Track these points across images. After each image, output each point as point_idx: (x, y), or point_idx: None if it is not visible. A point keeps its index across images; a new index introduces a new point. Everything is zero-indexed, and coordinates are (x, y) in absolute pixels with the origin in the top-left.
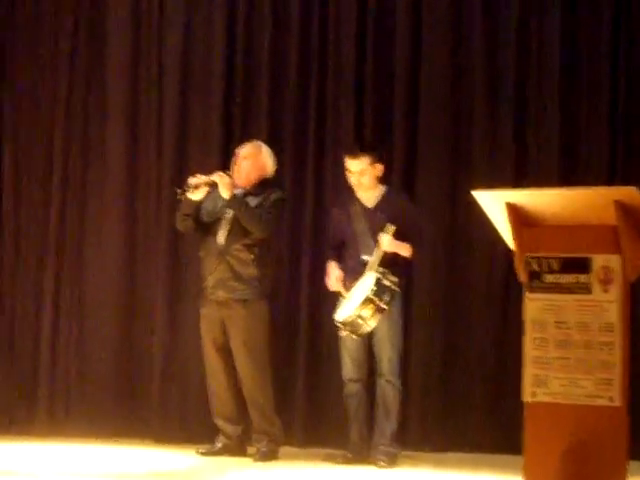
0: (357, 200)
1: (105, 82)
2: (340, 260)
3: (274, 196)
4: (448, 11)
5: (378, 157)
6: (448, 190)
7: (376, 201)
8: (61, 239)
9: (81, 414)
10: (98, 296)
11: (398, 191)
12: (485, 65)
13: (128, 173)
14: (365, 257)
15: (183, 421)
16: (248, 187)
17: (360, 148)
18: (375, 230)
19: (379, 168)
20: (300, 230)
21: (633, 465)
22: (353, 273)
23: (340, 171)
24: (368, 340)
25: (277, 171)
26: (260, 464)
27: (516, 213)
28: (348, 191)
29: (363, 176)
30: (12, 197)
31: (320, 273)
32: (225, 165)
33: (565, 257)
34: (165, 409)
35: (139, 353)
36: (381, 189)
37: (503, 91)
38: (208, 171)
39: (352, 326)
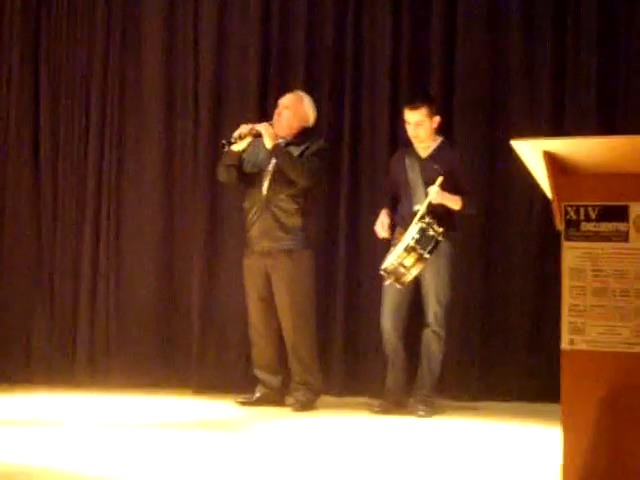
0: (413, 150)
1: (140, 41)
2: (395, 209)
3: (316, 145)
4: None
5: (433, 109)
6: (486, 139)
7: (431, 152)
8: (99, 190)
9: (121, 364)
10: (136, 247)
11: (453, 143)
12: (522, 9)
13: (165, 127)
14: (417, 207)
15: (222, 371)
16: (290, 137)
17: (418, 99)
18: (428, 180)
19: (436, 120)
20: (339, 180)
21: None
22: (406, 222)
23: (376, 122)
24: (413, 290)
25: (318, 120)
26: (299, 413)
27: (553, 162)
28: (405, 141)
29: (420, 127)
30: (50, 152)
31: (357, 224)
32: (262, 117)
33: (602, 205)
34: (204, 359)
35: (178, 304)
36: (437, 141)
37: (540, 39)
38: (247, 123)
39: (395, 274)
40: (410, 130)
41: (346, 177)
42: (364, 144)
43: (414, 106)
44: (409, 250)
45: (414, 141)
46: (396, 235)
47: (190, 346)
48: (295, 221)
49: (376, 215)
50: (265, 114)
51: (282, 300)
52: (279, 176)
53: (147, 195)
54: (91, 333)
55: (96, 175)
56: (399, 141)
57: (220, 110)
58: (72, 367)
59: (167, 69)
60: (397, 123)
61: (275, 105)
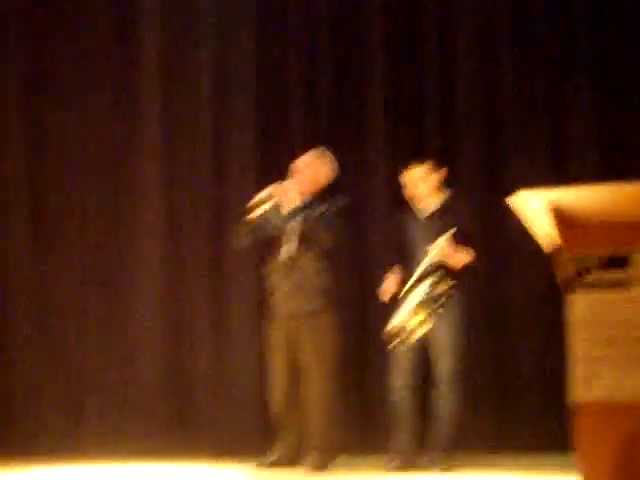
0: (415, 209)
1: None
2: (398, 269)
3: (337, 204)
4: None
5: (430, 168)
6: (483, 193)
7: (435, 208)
8: (104, 247)
9: (132, 434)
10: (144, 312)
11: (456, 197)
12: (516, 59)
13: (164, 197)
14: (422, 264)
15: (235, 436)
16: (310, 197)
17: (411, 161)
18: (432, 239)
19: (432, 179)
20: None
21: None
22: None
23: (375, 181)
24: (423, 348)
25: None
26: (314, 475)
27: (556, 212)
28: (407, 200)
29: (420, 184)
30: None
31: (363, 282)
32: (262, 179)
33: (609, 254)
34: (218, 424)
35: (188, 368)
36: (441, 196)
37: (538, 92)
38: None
39: (402, 334)
40: (410, 190)
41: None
42: (365, 208)
43: (408, 167)
44: (419, 306)
45: (416, 200)
46: (404, 294)
47: (202, 412)
48: (320, 282)
49: (380, 275)
50: (264, 182)
51: (308, 361)
52: (303, 237)
53: (151, 265)
54: (100, 405)
55: (97, 235)
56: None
57: (222, 174)
58: (81, 438)
59: (166, 132)
60: (396, 183)
61: (277, 170)
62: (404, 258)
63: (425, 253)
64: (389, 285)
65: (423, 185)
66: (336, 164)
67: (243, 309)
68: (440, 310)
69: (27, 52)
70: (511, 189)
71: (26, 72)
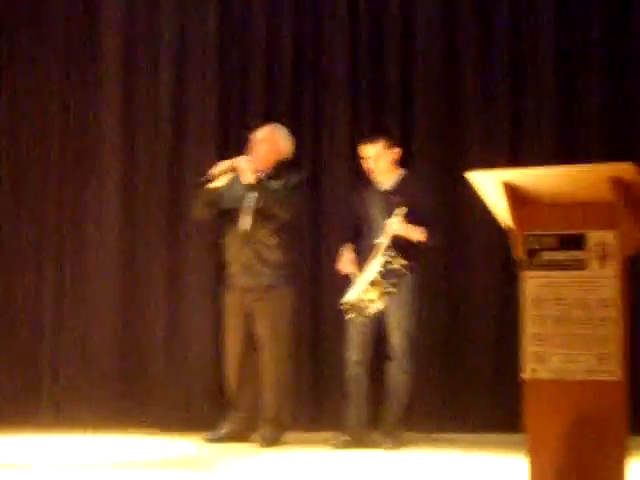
0: (372, 183)
1: (100, 83)
2: (356, 243)
3: (295, 178)
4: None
5: (391, 141)
6: (442, 171)
7: (392, 184)
8: (60, 223)
9: (85, 405)
10: (98, 282)
11: (415, 175)
12: (479, 42)
13: (126, 163)
14: (378, 240)
15: (187, 409)
16: (267, 170)
17: (373, 134)
18: (389, 213)
19: (395, 151)
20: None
21: (634, 440)
22: (367, 256)
23: (335, 156)
24: (377, 323)
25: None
26: (265, 449)
27: (513, 192)
28: (365, 174)
29: (376, 160)
30: (10, 196)
31: (318, 256)
32: (222, 153)
33: (561, 234)
34: (169, 397)
35: (142, 340)
36: (399, 173)
37: (498, 70)
38: (205, 160)
39: (358, 308)
40: (367, 164)
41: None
42: (324, 179)
43: (364, 141)
44: (373, 283)
45: (371, 174)
46: (358, 269)
47: (154, 384)
48: (277, 256)
49: (336, 250)
50: (225, 150)
51: (263, 334)
52: (259, 211)
53: (107, 233)
54: (54, 374)
55: (55, 219)
56: (359, 175)
57: (179, 148)
58: (36, 407)
59: (125, 103)
60: (357, 157)
61: (238, 137)
62: (360, 232)
63: (382, 227)
64: (345, 260)
65: (380, 161)
66: (293, 138)
67: (199, 280)
68: (392, 288)
69: None
70: (469, 168)
71: None
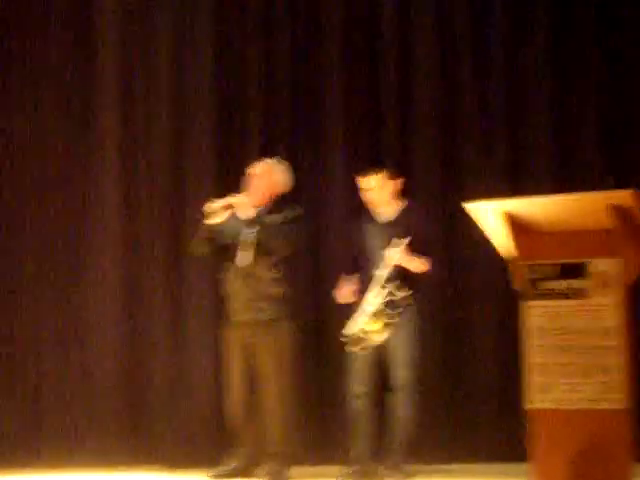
0: (372, 215)
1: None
2: (355, 275)
3: (293, 213)
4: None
5: (386, 176)
6: (441, 201)
7: (393, 216)
8: (60, 261)
9: (88, 444)
10: (100, 320)
11: (415, 205)
12: (475, 70)
13: (125, 199)
14: (378, 271)
15: (192, 445)
16: (265, 205)
17: (367, 167)
18: (387, 245)
19: (397, 182)
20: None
21: (638, 467)
22: (366, 287)
23: (332, 188)
24: (379, 355)
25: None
26: None
27: (512, 221)
28: (364, 206)
29: (376, 192)
30: (7, 230)
31: (319, 290)
32: (221, 189)
33: (562, 263)
34: (173, 434)
35: (145, 377)
36: (400, 204)
37: (495, 102)
38: (207, 192)
39: (360, 340)
40: (367, 196)
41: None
42: (323, 212)
43: (363, 173)
44: (375, 315)
45: (372, 206)
46: (357, 301)
47: (159, 421)
48: (277, 291)
49: (335, 282)
50: (225, 184)
51: (265, 370)
52: (258, 246)
53: (109, 267)
54: (57, 414)
55: (55, 248)
56: (357, 207)
57: (180, 181)
58: (38, 447)
59: (125, 134)
60: (354, 189)
61: (237, 174)
62: (360, 264)
63: (382, 259)
64: (345, 290)
65: (380, 192)
66: (292, 173)
67: (200, 317)
68: (396, 319)
69: None
70: (469, 198)
71: None
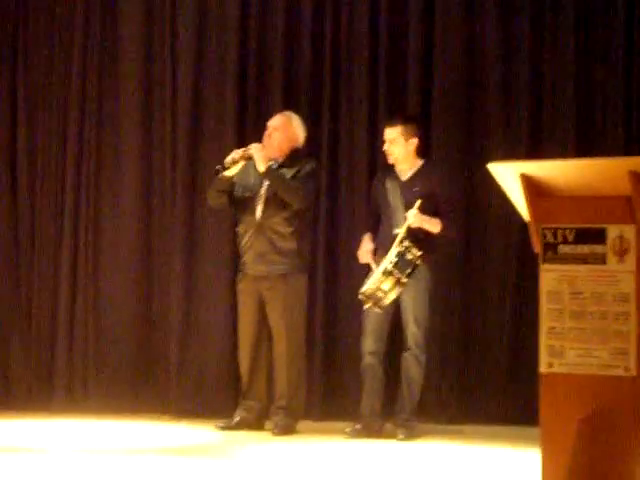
0: (393, 173)
1: (118, 59)
2: (376, 232)
3: (308, 166)
4: None
5: (411, 130)
6: (462, 161)
7: (411, 175)
8: (76, 215)
9: (99, 390)
10: (114, 272)
11: (435, 165)
12: (499, 32)
13: (143, 149)
14: (397, 230)
15: (201, 395)
16: (281, 159)
17: (395, 117)
18: (408, 204)
19: (412, 142)
20: (317, 204)
21: None
22: (385, 246)
23: (354, 146)
24: (393, 314)
25: (308, 140)
26: (278, 438)
27: (530, 184)
28: (385, 164)
29: (393, 145)
30: (27, 176)
31: (336, 248)
32: (240, 140)
33: (580, 228)
34: (183, 384)
35: (156, 328)
36: (417, 164)
37: (518, 62)
38: (223, 147)
39: (373, 298)
40: (385, 147)
41: (324, 201)
42: (342, 167)
43: (389, 123)
44: (387, 274)
45: (389, 159)
46: (376, 259)
47: (169, 371)
48: (290, 244)
49: (355, 239)
50: (243, 137)
51: (277, 323)
52: (272, 199)
53: (125, 219)
54: (69, 359)
55: (73, 199)
56: (377, 165)
57: (197, 133)
58: (50, 393)
59: (144, 92)
60: (375, 147)
61: (255, 129)
62: (381, 222)
63: (401, 218)
64: (364, 250)
65: (402, 146)
66: (305, 127)
67: (215, 268)
68: (406, 279)
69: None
70: (489, 160)
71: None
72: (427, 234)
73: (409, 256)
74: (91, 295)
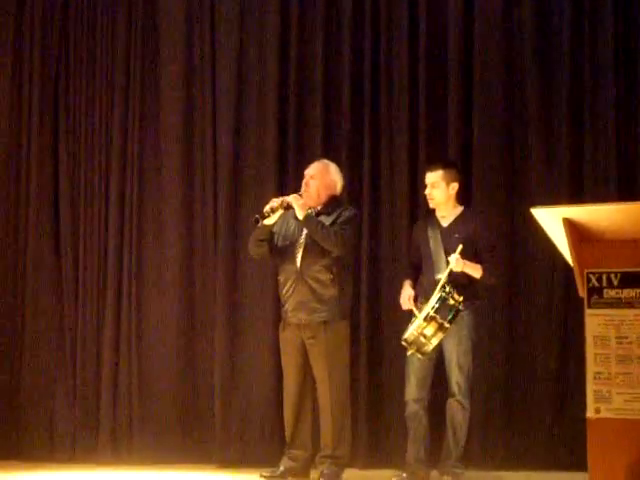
0: (434, 220)
1: (159, 102)
2: (417, 279)
3: (347, 213)
4: (501, 18)
5: (452, 174)
6: (506, 205)
7: (452, 221)
8: (120, 269)
9: (143, 442)
10: (157, 321)
11: (475, 211)
12: (539, 77)
13: (185, 202)
14: (439, 276)
15: (245, 445)
16: (319, 206)
17: (436, 161)
18: (449, 250)
19: (453, 186)
20: (359, 250)
21: None
22: (427, 293)
23: (395, 191)
24: (436, 360)
25: (349, 188)
26: None
27: (574, 229)
28: (426, 211)
29: (435, 189)
30: (70, 230)
31: (378, 294)
32: (280, 187)
33: (624, 272)
34: (226, 434)
35: (199, 378)
36: (458, 209)
37: (558, 107)
38: (263, 195)
39: (416, 344)
40: (426, 191)
41: (365, 247)
42: (383, 214)
43: (431, 168)
44: (429, 320)
45: (430, 204)
46: (418, 305)
47: (213, 421)
48: (330, 291)
49: (396, 285)
50: (284, 184)
51: (320, 372)
52: (312, 247)
53: (167, 268)
54: (113, 410)
55: (117, 253)
56: (418, 212)
57: (239, 181)
58: (95, 445)
59: (185, 139)
60: (416, 194)
61: (295, 175)
62: (423, 268)
63: (442, 263)
64: (405, 296)
65: (437, 190)
66: (342, 174)
67: (258, 318)
68: (448, 324)
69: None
70: (531, 204)
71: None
72: (468, 280)
73: (451, 301)
74: (135, 346)
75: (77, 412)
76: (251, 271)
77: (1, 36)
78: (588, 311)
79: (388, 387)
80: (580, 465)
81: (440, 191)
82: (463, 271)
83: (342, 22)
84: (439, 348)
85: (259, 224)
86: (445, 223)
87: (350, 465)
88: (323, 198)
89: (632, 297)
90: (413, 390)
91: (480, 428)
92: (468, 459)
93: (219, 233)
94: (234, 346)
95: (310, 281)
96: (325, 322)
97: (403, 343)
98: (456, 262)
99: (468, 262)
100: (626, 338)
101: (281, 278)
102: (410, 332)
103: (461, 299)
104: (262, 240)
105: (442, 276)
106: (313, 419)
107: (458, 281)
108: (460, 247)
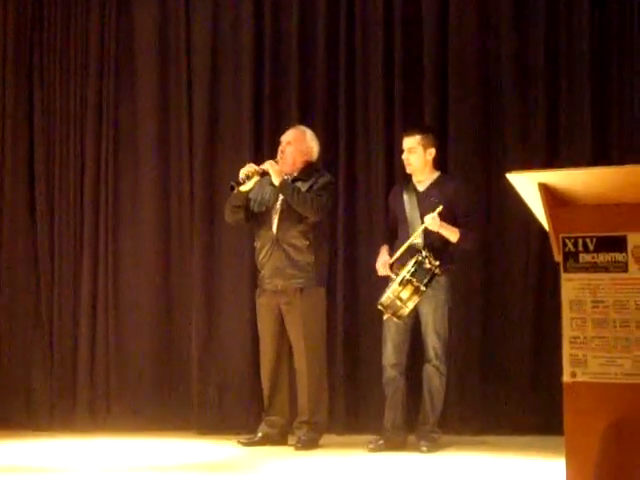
0: (410, 184)
1: (135, 73)
2: (393, 244)
3: (323, 179)
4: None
5: (429, 140)
6: (480, 172)
7: (428, 185)
8: (96, 236)
9: (121, 409)
10: (134, 289)
11: (452, 176)
12: (515, 40)
13: (160, 168)
14: (415, 241)
15: (223, 411)
16: (296, 172)
17: (413, 127)
18: (425, 214)
19: (430, 152)
20: (335, 217)
21: None
22: (404, 257)
23: (371, 157)
24: (412, 325)
25: (325, 154)
26: (301, 452)
27: (550, 194)
28: (402, 176)
29: (412, 154)
30: (46, 198)
31: (353, 256)
32: (257, 155)
33: (600, 236)
34: (205, 400)
35: (177, 345)
36: (434, 174)
37: (534, 70)
38: (239, 161)
39: (392, 308)
40: (403, 156)
41: (341, 214)
42: (359, 180)
43: (408, 133)
44: (405, 283)
45: (407, 169)
46: (394, 270)
47: (191, 387)
48: (307, 258)
49: (373, 251)
50: (260, 151)
51: (296, 338)
52: (288, 213)
53: (143, 235)
54: (91, 378)
55: (92, 224)
56: (394, 178)
57: (215, 148)
58: (73, 412)
59: (161, 109)
60: (392, 160)
61: (271, 141)
62: (399, 233)
63: (419, 226)
64: (382, 262)
65: (420, 156)
66: (318, 140)
67: (235, 284)
68: (424, 287)
69: None
70: (507, 170)
71: None
72: (445, 244)
73: (427, 265)
74: (111, 313)
75: (54, 380)
76: (227, 238)
77: None
78: (564, 275)
79: (365, 353)
80: (556, 430)
81: (417, 156)
82: (439, 235)
83: None
84: (415, 313)
85: (235, 190)
86: (421, 188)
87: (328, 431)
88: (299, 164)
89: (608, 261)
90: (390, 355)
91: (457, 393)
92: (445, 424)
93: (195, 200)
94: (211, 313)
95: (286, 247)
96: (301, 289)
97: (379, 307)
98: (432, 220)
99: (445, 223)
100: (602, 302)
101: (257, 244)
102: (386, 296)
103: (437, 263)
104: (238, 206)
105: (417, 233)
106: (290, 386)
107: (434, 245)
108: (440, 207)
